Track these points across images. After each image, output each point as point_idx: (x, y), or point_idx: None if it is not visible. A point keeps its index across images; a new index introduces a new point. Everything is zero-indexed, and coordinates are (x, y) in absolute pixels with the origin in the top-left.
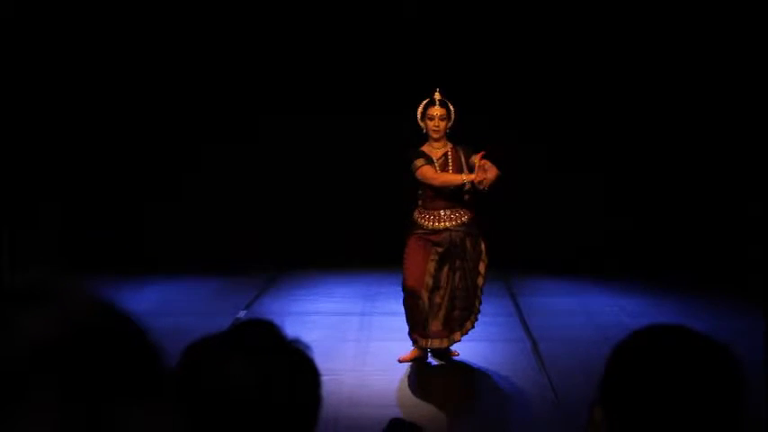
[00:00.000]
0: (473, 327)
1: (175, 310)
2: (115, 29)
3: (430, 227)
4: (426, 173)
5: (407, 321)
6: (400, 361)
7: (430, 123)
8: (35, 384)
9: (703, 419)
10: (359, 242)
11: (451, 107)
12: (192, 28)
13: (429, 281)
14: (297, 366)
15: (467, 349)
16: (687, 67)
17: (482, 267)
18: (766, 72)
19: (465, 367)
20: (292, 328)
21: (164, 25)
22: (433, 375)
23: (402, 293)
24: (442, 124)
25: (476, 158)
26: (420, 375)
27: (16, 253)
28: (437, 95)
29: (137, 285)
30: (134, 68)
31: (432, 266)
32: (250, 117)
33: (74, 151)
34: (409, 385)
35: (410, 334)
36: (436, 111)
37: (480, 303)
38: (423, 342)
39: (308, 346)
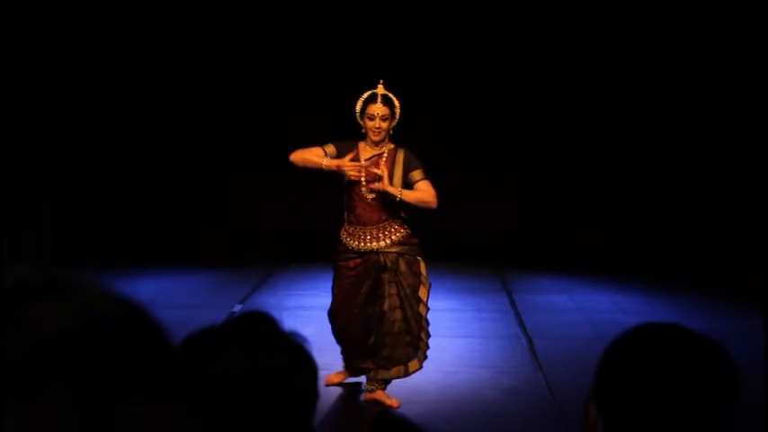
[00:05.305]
0: (421, 367)
1: (170, 303)
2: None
3: (355, 247)
4: (299, 150)
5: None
6: (326, 384)
7: (369, 123)
8: (50, 378)
9: (697, 416)
10: None
11: (396, 103)
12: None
13: (360, 319)
14: (295, 359)
15: (462, 346)
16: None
17: (423, 293)
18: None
19: (460, 363)
20: (288, 322)
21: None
22: (428, 371)
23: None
24: (384, 125)
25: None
26: None
27: (7, 244)
28: (380, 89)
29: (131, 278)
30: (133, 57)
31: (360, 299)
32: (249, 110)
33: (70, 140)
34: (403, 380)
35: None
36: (377, 109)
37: (428, 336)
38: (347, 373)
39: (305, 339)
